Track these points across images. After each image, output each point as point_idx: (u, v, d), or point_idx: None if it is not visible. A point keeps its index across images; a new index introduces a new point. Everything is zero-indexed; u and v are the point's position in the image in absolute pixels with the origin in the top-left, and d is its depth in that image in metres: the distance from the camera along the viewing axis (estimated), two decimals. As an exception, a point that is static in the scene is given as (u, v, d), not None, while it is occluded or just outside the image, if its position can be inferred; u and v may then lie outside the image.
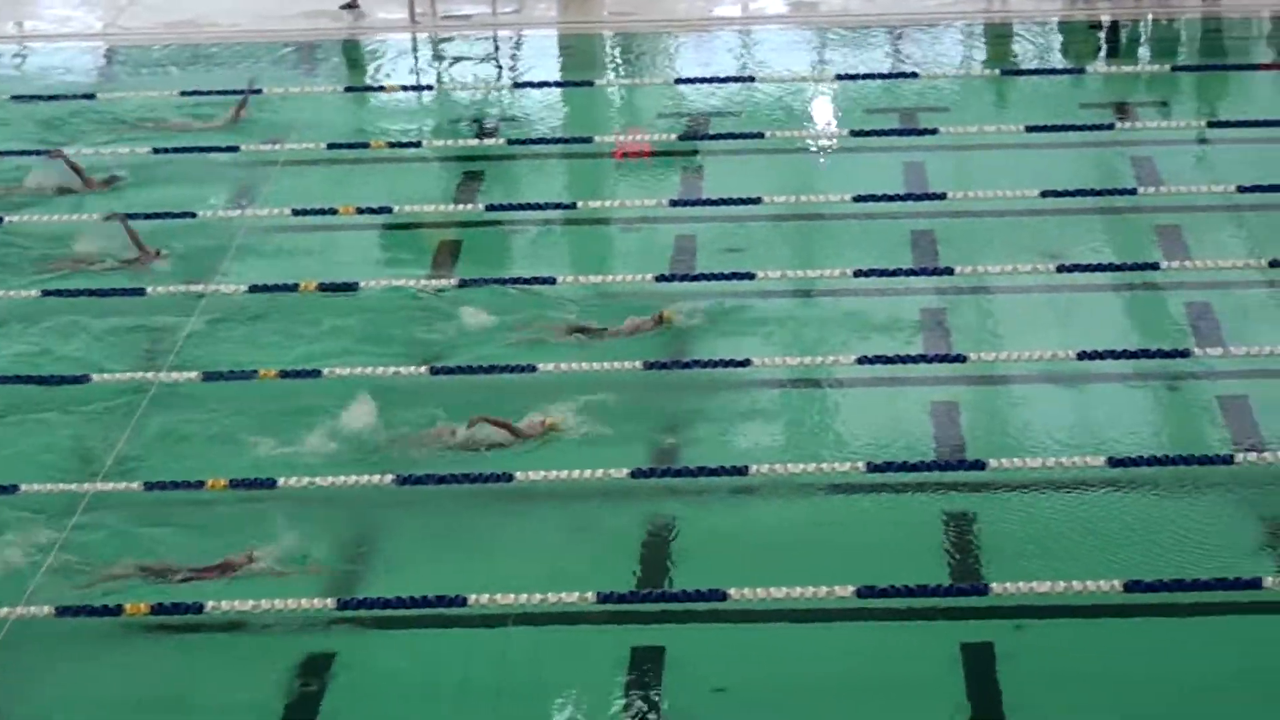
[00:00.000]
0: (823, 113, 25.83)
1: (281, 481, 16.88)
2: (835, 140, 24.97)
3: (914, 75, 26.65)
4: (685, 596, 15.30)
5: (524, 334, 19.58)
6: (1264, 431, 17.36)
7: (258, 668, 14.69)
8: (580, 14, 29.76)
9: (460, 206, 22.96)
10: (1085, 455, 16.95)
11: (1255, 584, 15.08)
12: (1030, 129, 24.26)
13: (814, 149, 24.78)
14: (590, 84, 27.09)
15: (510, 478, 16.83)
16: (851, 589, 15.28)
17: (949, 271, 20.74)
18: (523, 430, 17.59)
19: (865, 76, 26.71)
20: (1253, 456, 16.82)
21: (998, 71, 26.62)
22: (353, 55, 28.79)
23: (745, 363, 18.86)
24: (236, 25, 29.53)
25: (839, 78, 26.73)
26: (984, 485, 16.82)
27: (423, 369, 18.89)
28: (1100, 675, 14.42)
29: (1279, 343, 18.71)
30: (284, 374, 18.76)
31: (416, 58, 28.64)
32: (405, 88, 27.17)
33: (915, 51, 27.76)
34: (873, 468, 17.01)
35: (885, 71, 27.00)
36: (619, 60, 28.51)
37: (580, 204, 23.03)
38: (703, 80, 26.80)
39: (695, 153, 24.40)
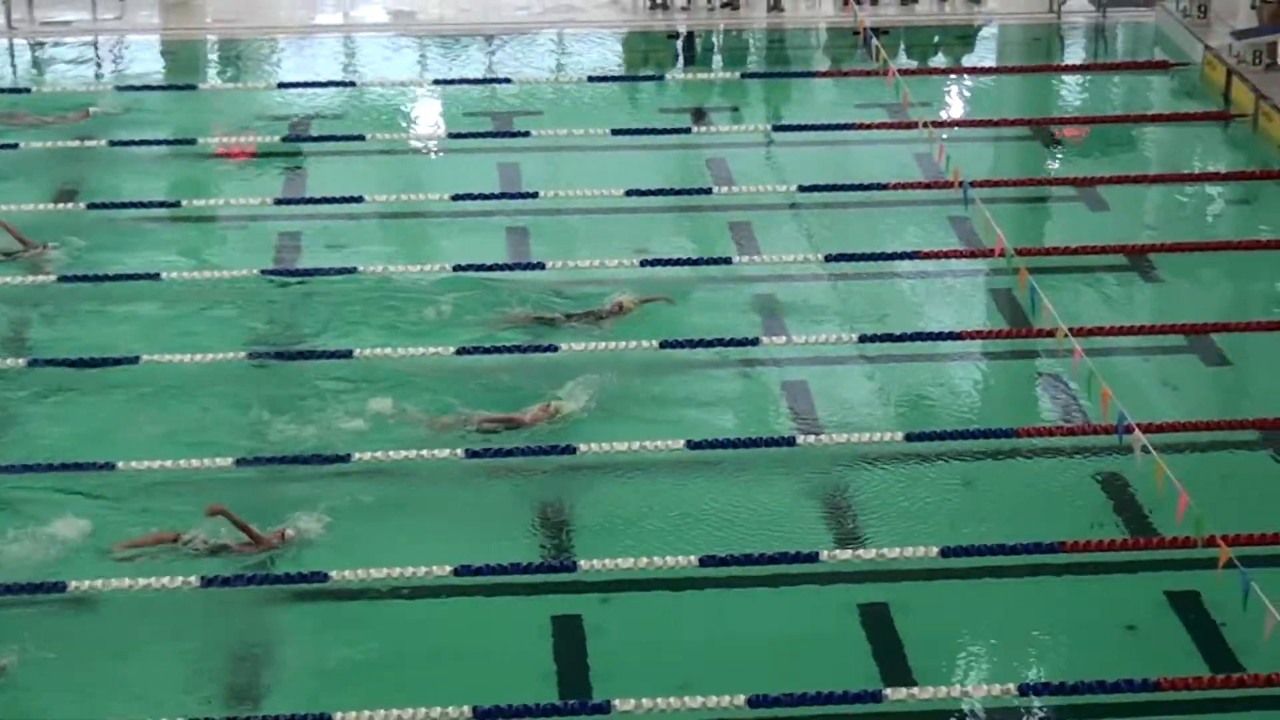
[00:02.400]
0: (422, 116, 25.72)
1: None
2: (434, 142, 24.89)
3: (508, 81, 26.72)
4: (275, 579, 15.20)
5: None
6: (821, 415, 17.86)
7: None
8: (182, 20, 29.07)
9: (61, 206, 22.25)
10: (667, 439, 17.21)
11: (813, 557, 15.52)
12: (615, 132, 24.54)
13: (414, 150, 24.67)
14: (194, 87, 26.48)
15: None
16: (449, 568, 15.28)
17: (541, 266, 20.85)
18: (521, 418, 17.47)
19: (462, 82, 26.67)
20: (811, 439, 17.27)
21: (585, 77, 26.84)
22: (-50, 61, 27.64)
23: (348, 353, 18.76)
24: None
25: (437, 83, 26.65)
26: (574, 468, 16.95)
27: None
28: (678, 643, 14.69)
29: (835, 332, 19.25)
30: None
31: (14, 64, 27.55)
32: (3, 90, 26.11)
33: (509, 58, 27.83)
34: (471, 454, 17.01)
35: (481, 77, 27.02)
36: (222, 65, 27.93)
37: (185, 202, 22.51)
38: (305, 85, 26.47)
39: (299, 154, 24.07)
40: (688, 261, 20.93)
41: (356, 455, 16.86)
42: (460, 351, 18.71)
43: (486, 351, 18.76)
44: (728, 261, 20.99)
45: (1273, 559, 15.03)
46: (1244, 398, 18.41)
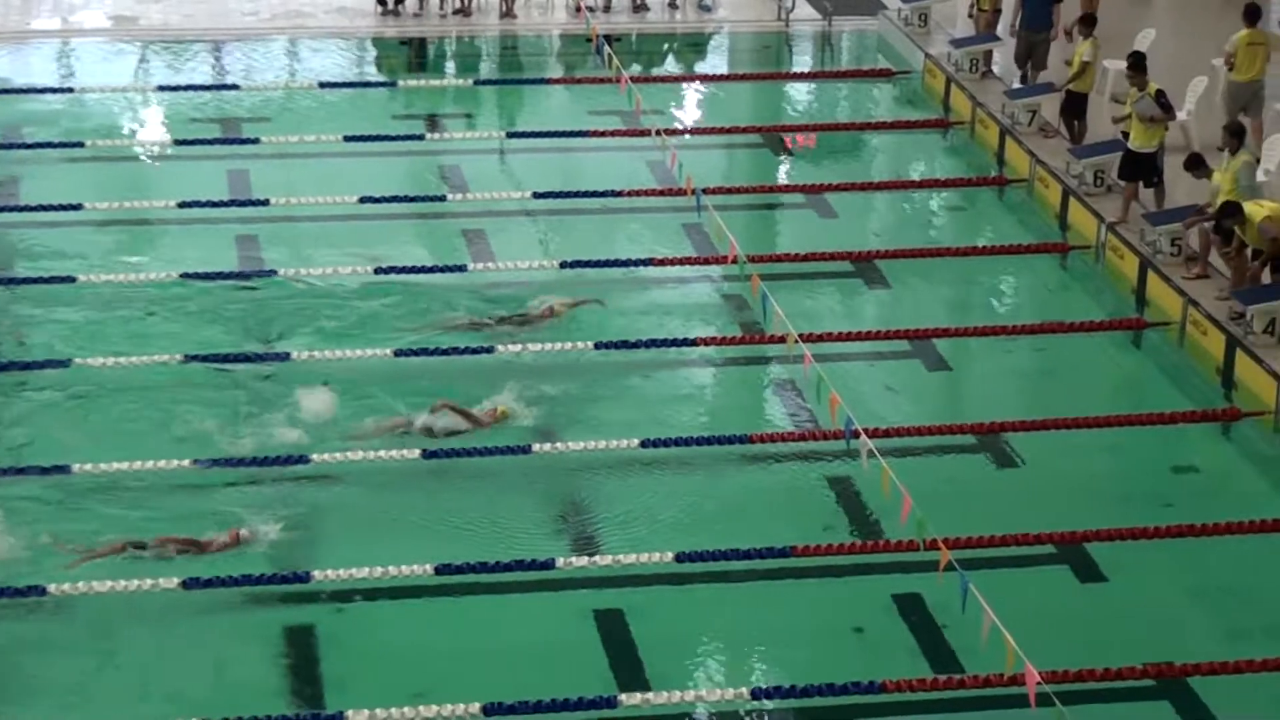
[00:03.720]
0: (146, 122, 25.24)
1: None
2: (159, 149, 24.45)
3: (235, 87, 26.36)
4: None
5: None
6: (558, 422, 17.88)
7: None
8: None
9: None
10: (403, 450, 17.13)
11: (549, 565, 15.60)
12: (348, 139, 24.37)
13: (138, 157, 24.20)
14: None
15: None
16: (176, 580, 15.05)
17: (273, 273, 20.62)
18: (479, 418, 17.45)
19: (188, 88, 26.25)
20: (548, 446, 17.34)
21: (316, 83, 26.59)
22: None
23: (66, 362, 18.43)
24: None
25: (161, 89, 26.18)
26: (313, 477, 16.78)
27: None
28: (413, 652, 14.64)
29: (570, 340, 19.29)
30: None
31: None
32: None
33: (237, 64, 27.45)
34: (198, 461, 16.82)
35: (208, 83, 26.61)
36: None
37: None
38: (19, 91, 25.80)
39: (13, 161, 23.43)
40: (422, 269, 20.85)
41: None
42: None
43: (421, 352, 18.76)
44: (462, 269, 20.97)
45: (991, 561, 15.49)
46: (964, 402, 18.93)
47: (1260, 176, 21.64)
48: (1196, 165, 19.74)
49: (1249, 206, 18.84)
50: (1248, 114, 23.07)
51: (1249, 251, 19.15)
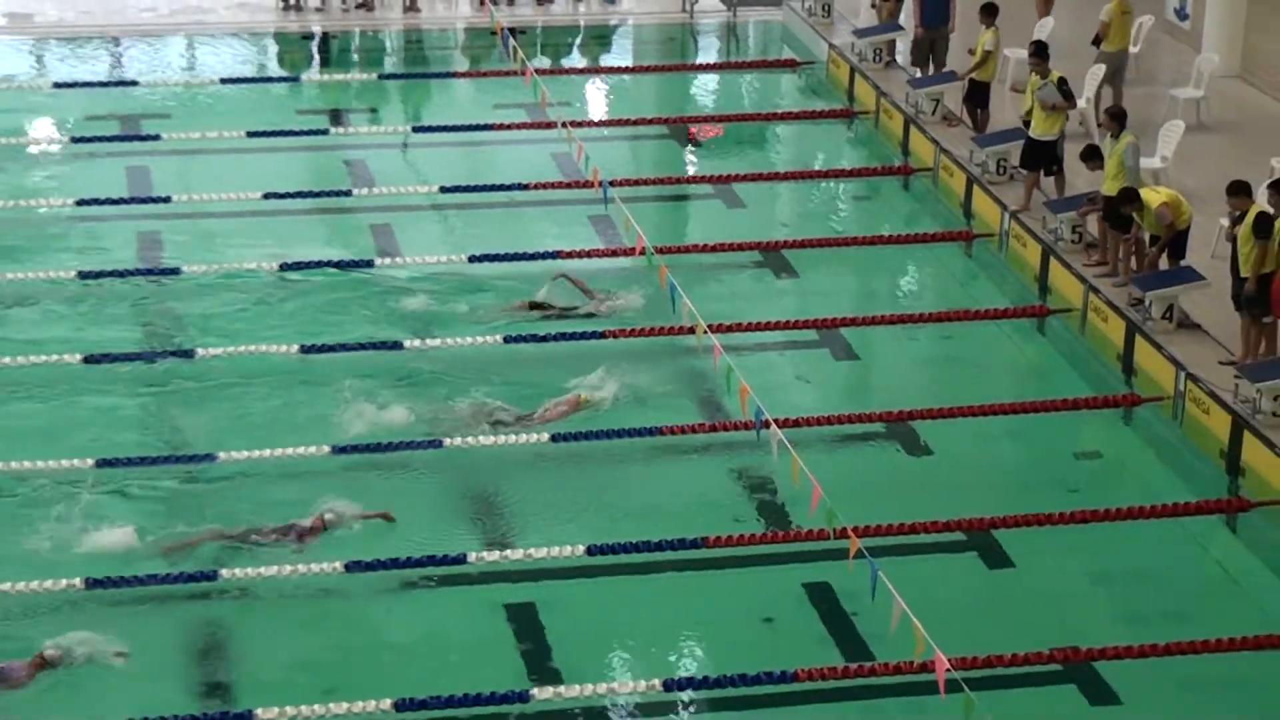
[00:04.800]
0: (41, 120, 25.01)
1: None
2: (56, 146, 24.25)
3: (134, 84, 26.17)
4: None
5: None
6: (471, 419, 17.91)
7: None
8: None
9: None
10: (309, 446, 17.07)
11: (461, 559, 15.60)
12: (251, 134, 24.25)
13: (34, 155, 23.98)
14: None
15: None
16: (80, 580, 15.00)
17: (176, 271, 20.51)
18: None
19: (85, 85, 26.03)
20: (459, 442, 17.34)
21: (218, 79, 26.43)
22: None
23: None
24: None
25: (58, 86, 25.95)
26: (198, 477, 16.75)
27: None
28: (323, 649, 14.61)
29: (470, 334, 19.30)
30: None
31: None
32: None
33: (136, 61, 27.25)
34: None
35: (106, 80, 26.40)
36: None
37: None
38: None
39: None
40: (328, 264, 20.80)
41: None
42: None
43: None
44: (369, 264, 20.93)
45: (900, 549, 15.64)
46: (872, 390, 19.09)
47: (1157, 163, 21.95)
48: (1091, 156, 19.97)
49: (1146, 193, 19.09)
50: (1112, 84, 23.55)
51: (1146, 237, 19.40)
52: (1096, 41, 24.24)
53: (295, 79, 26.98)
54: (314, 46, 28.54)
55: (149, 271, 20.52)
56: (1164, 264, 19.22)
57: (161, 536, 15.71)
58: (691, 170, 24.50)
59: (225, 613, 14.98)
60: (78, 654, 14.17)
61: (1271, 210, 17.73)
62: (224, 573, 15.28)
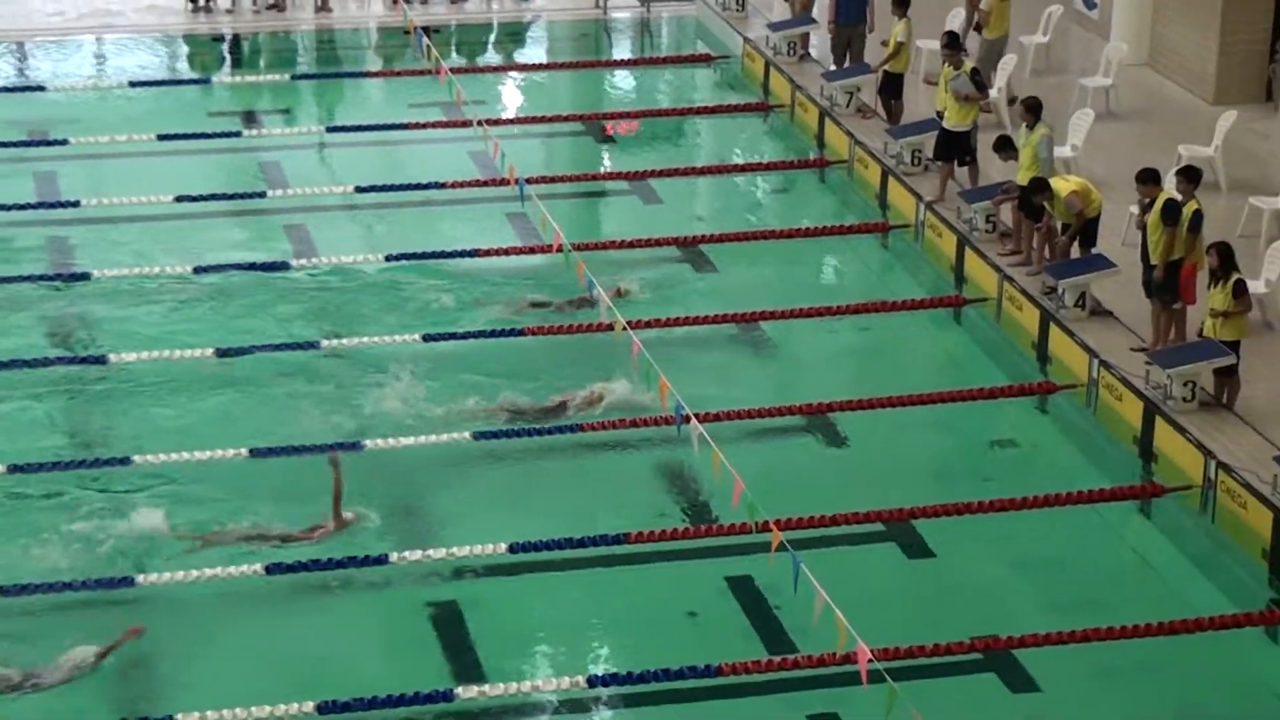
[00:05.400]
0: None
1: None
2: (-38, 153, 24.05)
3: (42, 88, 25.95)
4: None
5: None
6: (393, 416, 17.87)
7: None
8: None
9: None
10: (228, 449, 17.01)
11: (383, 560, 15.60)
12: (162, 137, 24.10)
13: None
14: None
15: None
16: None
17: (86, 277, 20.37)
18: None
19: (-9, 89, 25.86)
20: (380, 442, 17.25)
21: (127, 82, 26.22)
22: None
23: None
24: None
25: (-38, 91, 25.78)
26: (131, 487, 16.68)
27: None
28: (241, 653, 14.60)
29: (396, 332, 19.29)
30: None
31: None
32: None
33: (43, 65, 27.03)
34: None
35: (12, 85, 26.17)
36: None
37: None
38: None
39: None
40: (244, 266, 20.71)
41: None
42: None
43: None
44: (285, 266, 20.85)
45: (822, 541, 15.73)
46: (791, 383, 19.15)
47: (1068, 151, 22.16)
48: (1004, 147, 20.15)
49: (1055, 182, 19.28)
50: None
51: (1059, 225, 19.58)
52: (978, 28, 24.49)
53: (206, 81, 26.83)
54: (225, 48, 28.38)
55: (58, 277, 20.37)
56: (1076, 252, 19.42)
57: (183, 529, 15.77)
58: (608, 166, 24.52)
59: (146, 618, 14.88)
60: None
61: (1180, 197, 17.94)
62: (141, 579, 15.20)
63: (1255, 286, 18.34)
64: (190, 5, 29.07)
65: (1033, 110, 20.05)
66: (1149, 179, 18.29)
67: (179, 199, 22.28)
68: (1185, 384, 17.04)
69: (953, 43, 22.05)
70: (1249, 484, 15.85)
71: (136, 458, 16.85)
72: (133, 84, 26.22)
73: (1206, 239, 17.86)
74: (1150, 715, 14.31)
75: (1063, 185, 19.19)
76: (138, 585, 15.17)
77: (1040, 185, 19.21)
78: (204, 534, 15.79)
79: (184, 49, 28.30)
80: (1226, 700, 14.35)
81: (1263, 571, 15.57)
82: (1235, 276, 17.08)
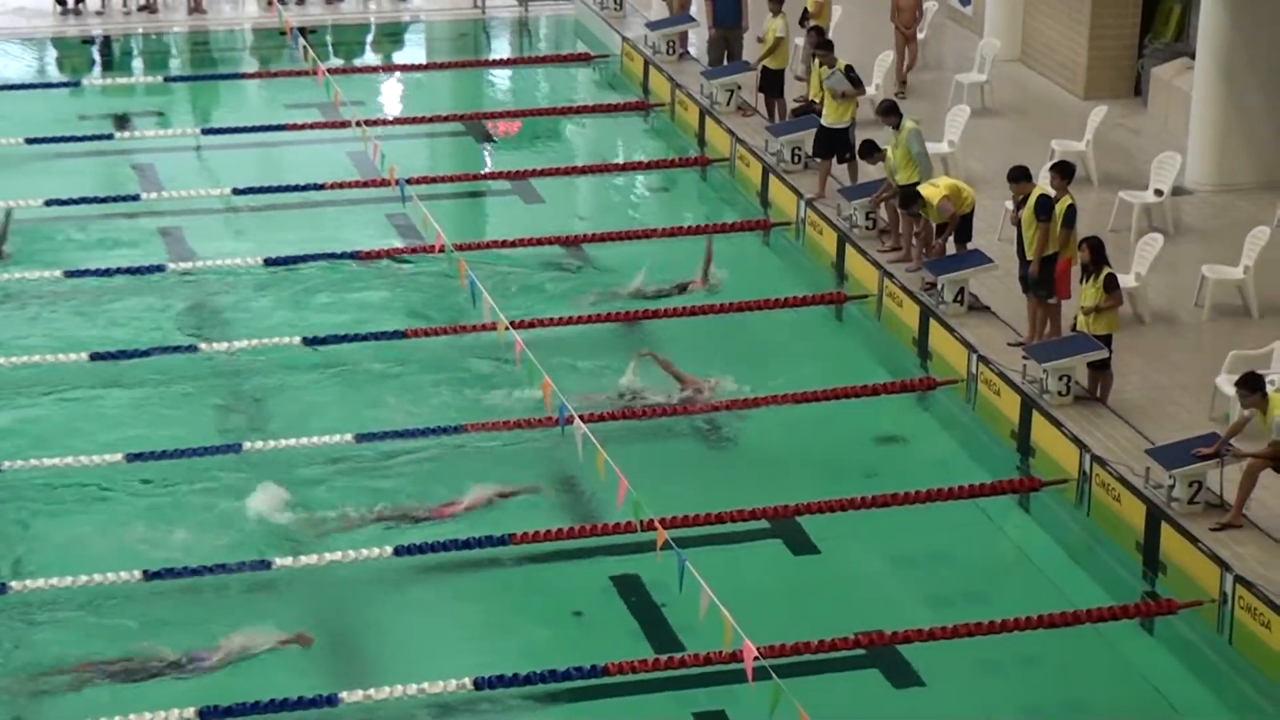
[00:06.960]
0: None
1: None
2: None
3: (-95, 92, 25.69)
4: None
5: None
6: (270, 419, 17.82)
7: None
8: None
9: None
10: (104, 455, 16.86)
11: (266, 565, 15.51)
12: (31, 141, 23.84)
13: None
14: None
15: None
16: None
17: (-42, 283, 20.21)
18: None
19: None
20: (259, 444, 17.21)
21: (-10, 87, 25.98)
22: None
23: None
24: None
25: None
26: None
27: None
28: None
29: (279, 336, 19.17)
30: None
31: None
32: None
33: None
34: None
35: None
36: None
37: None
38: None
39: None
40: (117, 270, 20.52)
41: None
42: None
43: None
44: (160, 269, 20.68)
45: (707, 539, 15.81)
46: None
47: (945, 148, 22.40)
48: (871, 152, 20.33)
49: (926, 189, 19.45)
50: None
51: (934, 226, 19.78)
52: (803, 19, 24.70)
53: (76, 84, 26.55)
54: (95, 50, 28.08)
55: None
56: (952, 248, 19.63)
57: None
58: (489, 166, 24.51)
59: (14, 624, 14.74)
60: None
61: (1053, 192, 18.18)
62: (15, 585, 15.04)
63: (1126, 281, 18.62)
64: (59, 7, 28.74)
65: (890, 111, 20.19)
66: (1020, 177, 18.52)
67: (49, 203, 22.07)
68: (1060, 378, 17.27)
69: (823, 42, 22.22)
70: (1123, 477, 16.09)
71: (4, 463, 16.64)
72: (1, 87, 25.88)
73: (1079, 234, 18.11)
74: (1032, 707, 14.49)
75: (933, 192, 19.37)
76: (10, 592, 15.01)
77: (911, 196, 19.43)
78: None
79: (53, 52, 27.98)
80: (1105, 691, 14.56)
81: (1136, 565, 15.81)
82: (1106, 271, 17.33)
